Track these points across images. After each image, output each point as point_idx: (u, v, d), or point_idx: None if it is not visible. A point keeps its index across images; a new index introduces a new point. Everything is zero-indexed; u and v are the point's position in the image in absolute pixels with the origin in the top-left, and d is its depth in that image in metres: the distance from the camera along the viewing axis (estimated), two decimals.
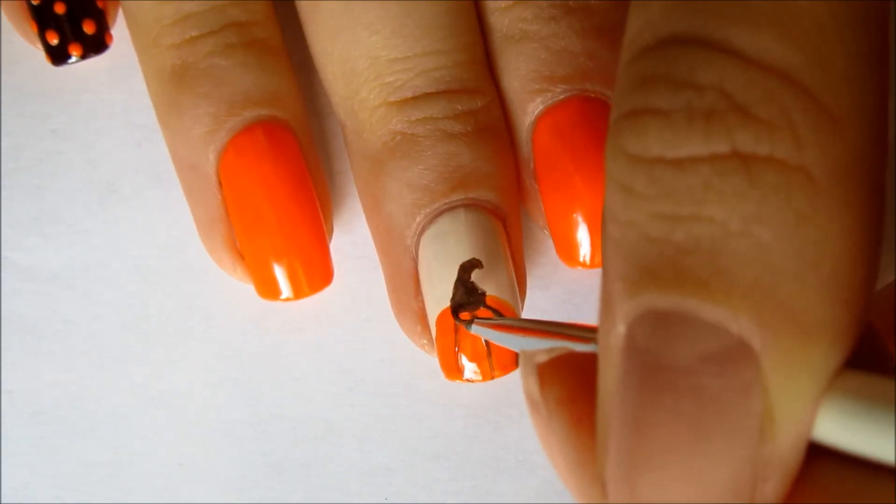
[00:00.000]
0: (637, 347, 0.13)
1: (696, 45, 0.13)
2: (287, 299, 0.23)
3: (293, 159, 0.23)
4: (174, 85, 0.23)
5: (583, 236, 0.23)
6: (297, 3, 0.23)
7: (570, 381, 0.15)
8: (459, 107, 0.22)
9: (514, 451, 0.25)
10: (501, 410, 0.25)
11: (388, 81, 0.22)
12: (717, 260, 0.12)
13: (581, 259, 0.23)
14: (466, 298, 0.21)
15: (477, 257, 0.22)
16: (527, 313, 0.25)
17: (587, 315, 0.25)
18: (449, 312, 0.22)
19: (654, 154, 0.13)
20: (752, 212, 0.12)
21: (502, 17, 0.23)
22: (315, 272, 0.23)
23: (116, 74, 0.25)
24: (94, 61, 0.25)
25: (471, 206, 0.22)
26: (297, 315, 0.25)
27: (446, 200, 0.22)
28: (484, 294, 0.21)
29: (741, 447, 0.12)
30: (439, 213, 0.22)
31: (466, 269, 0.21)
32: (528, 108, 0.23)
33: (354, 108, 0.23)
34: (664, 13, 0.13)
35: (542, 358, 0.15)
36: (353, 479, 0.25)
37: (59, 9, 0.23)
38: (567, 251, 0.23)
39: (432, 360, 0.24)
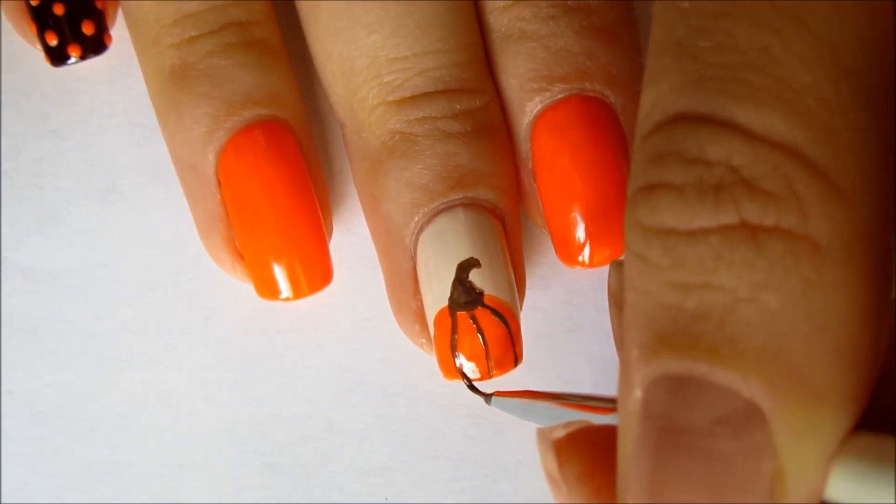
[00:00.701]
0: (652, 411, 0.13)
1: (704, 123, 0.13)
2: (286, 299, 0.23)
3: (292, 159, 0.23)
4: (174, 85, 0.23)
5: (581, 235, 0.23)
6: (297, 3, 0.23)
7: (587, 455, 0.16)
8: (458, 106, 0.22)
9: (514, 451, 0.25)
10: (501, 410, 0.25)
11: (386, 81, 0.22)
12: (727, 326, 0.13)
13: (580, 259, 0.23)
14: (464, 297, 0.21)
15: (475, 256, 0.22)
16: (527, 313, 0.25)
17: (587, 315, 0.25)
18: (447, 312, 0.22)
19: (668, 226, 0.13)
20: (759, 279, 0.13)
21: (501, 16, 0.23)
22: (314, 272, 0.23)
23: (116, 74, 0.25)
24: (94, 61, 0.25)
25: (469, 205, 0.22)
26: (296, 315, 0.25)
27: (445, 200, 0.22)
28: (482, 293, 0.21)
29: None
30: (437, 213, 0.22)
31: (464, 268, 0.21)
32: (527, 107, 0.23)
33: (353, 107, 0.23)
34: (673, 91, 0.14)
35: (560, 434, 0.16)
36: (353, 479, 0.25)
37: (58, 10, 0.23)
38: (566, 250, 0.23)
39: (432, 360, 0.24)
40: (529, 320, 0.25)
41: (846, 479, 0.13)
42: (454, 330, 0.22)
